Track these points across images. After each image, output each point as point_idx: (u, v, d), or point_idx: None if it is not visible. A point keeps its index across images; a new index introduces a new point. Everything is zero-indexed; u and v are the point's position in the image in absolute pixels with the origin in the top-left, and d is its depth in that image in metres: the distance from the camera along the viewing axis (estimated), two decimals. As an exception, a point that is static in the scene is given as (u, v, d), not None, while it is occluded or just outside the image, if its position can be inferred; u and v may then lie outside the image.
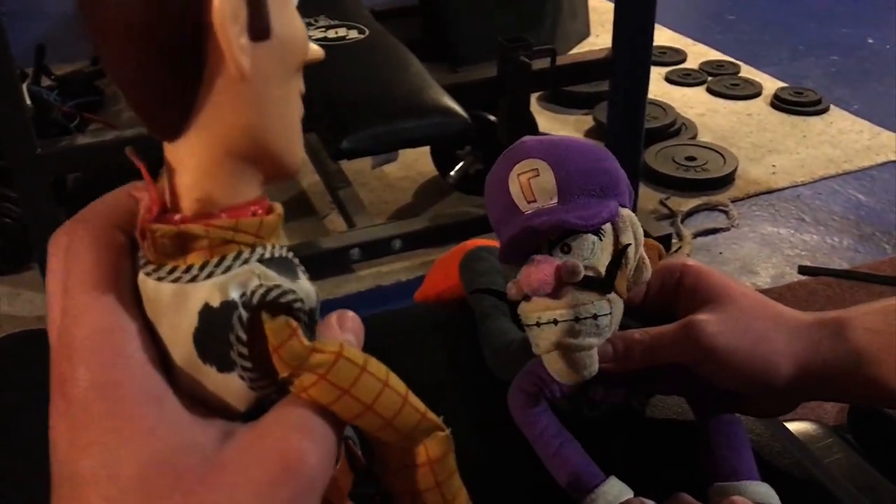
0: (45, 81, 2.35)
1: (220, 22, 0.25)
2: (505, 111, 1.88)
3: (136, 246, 0.29)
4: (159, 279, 0.27)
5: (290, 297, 0.28)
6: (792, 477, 0.54)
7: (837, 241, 2.04)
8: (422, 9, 2.66)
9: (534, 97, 2.21)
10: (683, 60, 3.01)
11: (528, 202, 0.47)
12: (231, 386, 0.28)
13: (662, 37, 3.11)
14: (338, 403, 0.28)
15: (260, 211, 0.28)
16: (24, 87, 1.95)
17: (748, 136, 2.51)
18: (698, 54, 3.06)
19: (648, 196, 2.18)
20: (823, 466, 0.60)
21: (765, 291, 1.83)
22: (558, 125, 2.57)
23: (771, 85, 2.79)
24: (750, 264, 1.96)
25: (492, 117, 1.96)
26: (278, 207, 0.29)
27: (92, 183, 1.86)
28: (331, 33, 1.77)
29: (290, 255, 0.30)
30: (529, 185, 0.47)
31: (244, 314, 0.27)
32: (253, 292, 0.27)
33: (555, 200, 0.46)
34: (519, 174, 0.47)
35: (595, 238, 0.47)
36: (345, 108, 1.47)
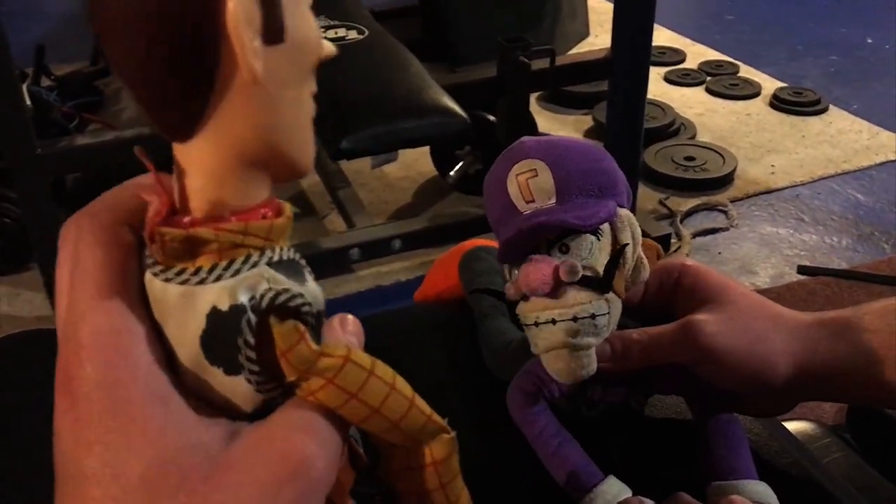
0: (45, 82, 2.35)
1: (233, 25, 0.24)
2: (504, 111, 1.89)
3: (143, 242, 0.29)
4: (167, 280, 0.27)
5: (299, 300, 0.28)
6: (790, 476, 0.54)
7: (836, 240, 2.04)
8: (421, 9, 2.66)
9: (533, 97, 2.21)
10: (682, 60, 3.01)
11: (527, 202, 0.47)
12: (238, 388, 0.28)
13: (661, 37, 3.11)
14: (345, 407, 0.28)
15: (270, 213, 0.28)
16: (24, 87, 1.95)
17: (747, 136, 2.51)
18: (697, 54, 3.06)
19: (648, 196, 2.19)
20: (822, 466, 0.60)
21: (764, 291, 1.83)
22: (558, 125, 2.58)
23: (770, 85, 2.79)
24: (749, 264, 1.96)
25: (491, 117, 1.96)
26: (288, 209, 0.29)
27: (91, 183, 1.86)
28: (330, 33, 1.77)
29: (298, 256, 0.30)
30: (528, 185, 0.47)
31: (253, 318, 0.27)
32: (262, 296, 0.27)
33: (553, 200, 0.46)
34: (517, 174, 0.47)
35: (593, 238, 0.47)
36: (344, 108, 1.47)
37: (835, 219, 2.12)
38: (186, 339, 0.28)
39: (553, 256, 0.47)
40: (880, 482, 0.71)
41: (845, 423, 0.82)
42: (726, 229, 2.08)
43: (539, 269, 0.46)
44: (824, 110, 2.64)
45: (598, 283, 0.46)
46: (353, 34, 1.77)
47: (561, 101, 2.68)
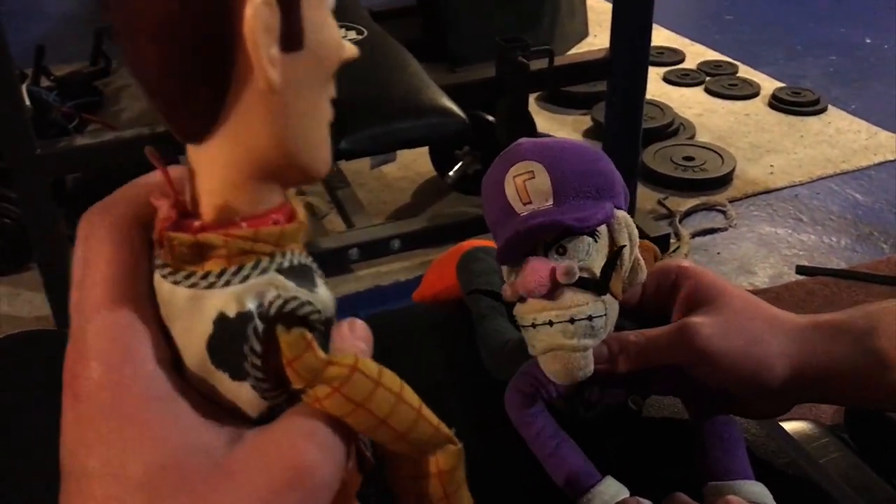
0: (45, 82, 2.35)
1: (250, 33, 0.24)
2: (503, 111, 1.89)
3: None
4: (175, 283, 0.27)
5: (308, 308, 0.27)
6: (787, 476, 0.55)
7: (835, 240, 2.04)
8: (420, 9, 2.66)
9: (532, 97, 2.21)
10: (681, 60, 3.01)
11: (524, 204, 0.47)
12: (243, 394, 0.28)
13: (660, 37, 3.11)
14: (351, 416, 0.28)
15: (282, 219, 0.28)
16: (24, 87, 1.95)
17: (746, 136, 2.51)
18: (696, 54, 3.06)
19: (647, 196, 2.19)
20: (819, 466, 0.60)
21: (762, 291, 1.83)
22: (556, 125, 2.58)
23: (769, 85, 2.79)
24: (748, 264, 1.96)
25: (490, 117, 1.96)
26: (301, 213, 0.29)
27: (91, 183, 1.86)
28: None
29: (310, 261, 0.29)
30: (525, 187, 0.47)
31: (260, 326, 0.26)
32: (270, 304, 0.27)
33: (550, 202, 0.47)
34: (514, 176, 0.47)
35: (590, 240, 0.47)
36: (343, 108, 1.46)
37: (833, 219, 2.12)
38: (193, 342, 0.28)
39: (550, 258, 0.47)
40: (878, 482, 0.72)
41: (843, 423, 0.82)
42: (725, 229, 2.08)
43: (536, 271, 0.46)
44: (823, 110, 2.64)
45: (595, 285, 0.46)
46: (352, 34, 1.77)
47: (560, 101, 2.67)
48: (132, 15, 0.25)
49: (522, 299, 0.47)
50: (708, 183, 2.23)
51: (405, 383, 0.29)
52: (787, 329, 0.50)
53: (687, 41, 3.19)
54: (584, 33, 2.87)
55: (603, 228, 0.47)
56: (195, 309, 0.27)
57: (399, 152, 1.92)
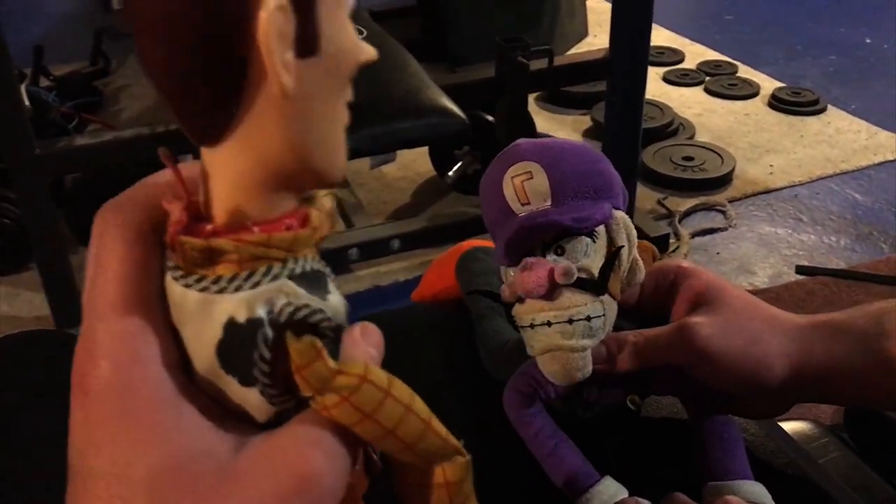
0: (44, 82, 2.35)
1: (264, 38, 0.24)
2: (503, 111, 1.89)
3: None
4: (186, 286, 0.27)
5: (318, 316, 0.27)
6: (787, 476, 0.55)
7: (835, 240, 2.04)
8: (420, 9, 2.66)
9: (532, 97, 2.21)
10: (681, 60, 3.01)
11: (522, 204, 0.47)
12: (251, 399, 0.28)
13: (660, 37, 3.11)
14: (359, 425, 0.28)
15: (295, 224, 0.28)
16: (23, 87, 1.95)
17: (746, 136, 2.51)
18: (696, 54, 3.06)
19: (646, 196, 2.19)
20: (819, 466, 0.60)
21: (762, 291, 1.83)
22: (556, 125, 2.58)
23: (768, 85, 2.79)
24: (747, 264, 1.96)
25: (490, 117, 1.96)
26: (315, 218, 0.28)
27: (91, 184, 1.86)
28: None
29: (323, 265, 0.29)
30: (523, 187, 0.47)
31: (269, 333, 0.26)
32: (280, 311, 0.26)
33: (548, 203, 0.47)
34: (513, 177, 0.47)
35: (589, 240, 0.47)
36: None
37: (833, 219, 2.12)
38: (203, 345, 0.27)
39: (548, 258, 0.47)
40: (877, 482, 0.72)
41: (843, 423, 0.82)
42: (725, 229, 2.08)
43: (534, 272, 0.46)
44: (823, 110, 2.64)
45: (594, 285, 0.46)
46: (351, 34, 1.77)
47: (559, 101, 2.68)
48: (148, 17, 0.24)
49: (521, 300, 0.47)
50: (707, 183, 2.23)
51: (416, 394, 0.29)
52: (787, 329, 0.50)
53: (687, 41, 3.19)
54: (583, 33, 2.87)
55: (601, 229, 0.47)
56: (206, 313, 0.27)
57: (399, 152, 1.93)
